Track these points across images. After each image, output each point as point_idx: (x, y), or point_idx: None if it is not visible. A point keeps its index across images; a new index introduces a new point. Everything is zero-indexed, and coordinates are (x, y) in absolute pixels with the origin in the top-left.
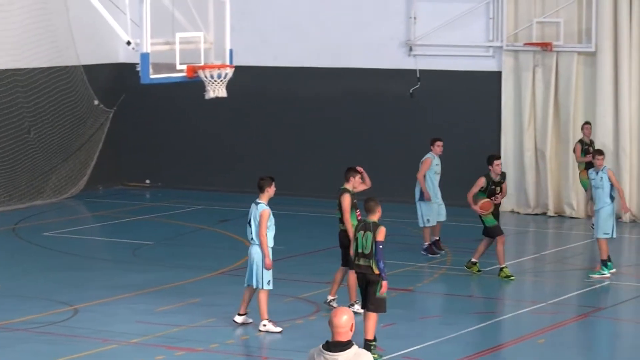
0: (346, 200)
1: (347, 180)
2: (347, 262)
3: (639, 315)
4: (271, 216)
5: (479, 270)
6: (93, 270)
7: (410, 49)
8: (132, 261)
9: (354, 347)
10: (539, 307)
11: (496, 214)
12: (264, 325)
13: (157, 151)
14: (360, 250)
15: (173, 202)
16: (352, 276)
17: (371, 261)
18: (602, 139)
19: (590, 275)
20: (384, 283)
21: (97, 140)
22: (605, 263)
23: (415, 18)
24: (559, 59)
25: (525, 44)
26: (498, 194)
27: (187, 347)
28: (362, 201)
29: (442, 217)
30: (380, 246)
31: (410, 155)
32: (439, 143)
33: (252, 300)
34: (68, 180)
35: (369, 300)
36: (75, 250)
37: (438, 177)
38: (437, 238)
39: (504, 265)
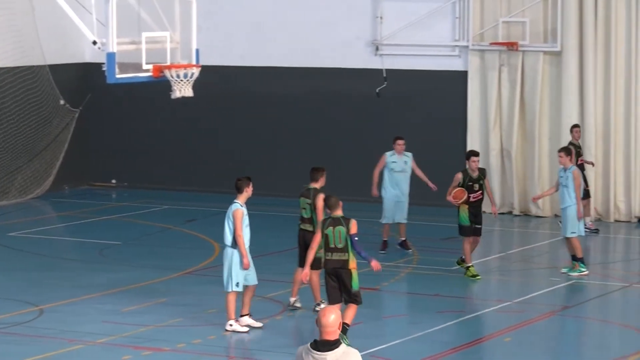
0: (322, 200)
1: (317, 180)
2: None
3: (604, 314)
4: (245, 216)
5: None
6: (59, 271)
7: (377, 49)
8: (98, 261)
9: (342, 346)
10: (505, 305)
11: (477, 213)
12: (230, 325)
13: (123, 151)
14: (332, 245)
15: (139, 202)
16: (315, 276)
17: (346, 254)
18: (568, 137)
19: (569, 274)
20: (373, 264)
21: (62, 140)
22: (582, 260)
23: (381, 18)
24: (525, 59)
25: (491, 44)
26: (477, 191)
27: (154, 347)
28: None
29: (400, 219)
30: (356, 238)
31: (377, 154)
32: (399, 142)
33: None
34: (34, 180)
35: (348, 294)
36: (42, 251)
37: (399, 176)
38: (403, 239)
39: (470, 265)
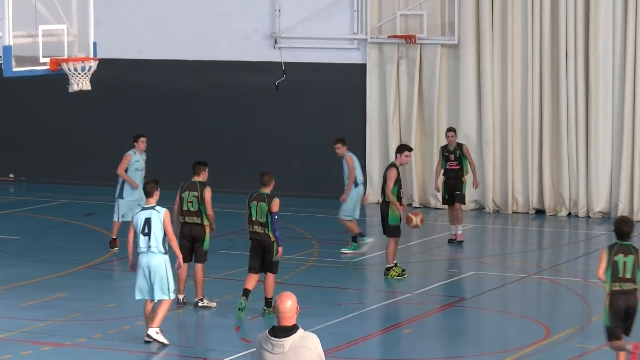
0: (210, 193)
1: (199, 174)
2: (194, 257)
3: (503, 305)
4: None
5: (403, 270)
6: None
7: (276, 42)
8: None
9: (300, 331)
10: (405, 297)
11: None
12: (157, 332)
13: (20, 145)
14: (254, 219)
15: (38, 196)
16: (200, 271)
17: (267, 229)
18: (466, 130)
19: (343, 252)
20: (280, 249)
21: None
22: (361, 234)
23: (279, 10)
24: (423, 52)
25: (390, 37)
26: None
27: (54, 342)
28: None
29: None
30: (276, 216)
31: (276, 147)
32: (142, 139)
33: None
34: None
35: (266, 264)
36: None
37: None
38: None
39: (392, 265)
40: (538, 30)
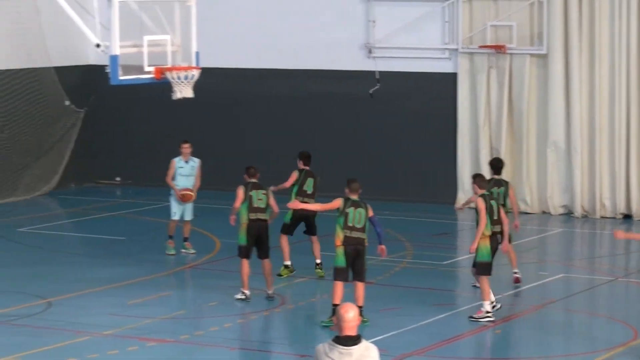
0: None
1: (256, 176)
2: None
3: (592, 306)
4: None
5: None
6: (66, 265)
7: (370, 51)
8: (104, 256)
9: (364, 341)
10: (496, 298)
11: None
12: None
13: (126, 150)
14: (351, 224)
15: (143, 199)
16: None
17: (364, 234)
18: (554, 137)
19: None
20: (383, 247)
21: (68, 140)
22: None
23: (374, 22)
24: (513, 61)
25: (480, 47)
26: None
27: (159, 338)
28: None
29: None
30: (377, 218)
31: (370, 153)
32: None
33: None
34: (41, 178)
35: (358, 272)
36: (49, 246)
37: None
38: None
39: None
40: (625, 39)
